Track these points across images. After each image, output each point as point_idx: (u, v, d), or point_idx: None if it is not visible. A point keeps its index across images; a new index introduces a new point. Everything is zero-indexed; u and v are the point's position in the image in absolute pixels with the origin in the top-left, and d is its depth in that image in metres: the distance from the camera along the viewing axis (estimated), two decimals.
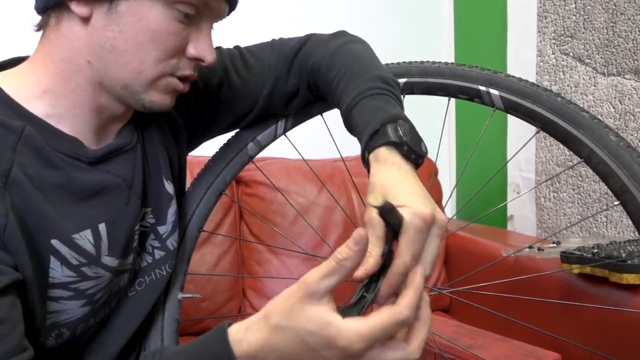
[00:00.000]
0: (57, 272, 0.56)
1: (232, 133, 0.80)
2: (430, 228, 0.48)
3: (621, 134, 1.35)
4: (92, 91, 0.59)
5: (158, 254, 0.69)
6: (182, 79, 0.61)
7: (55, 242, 0.55)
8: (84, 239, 0.58)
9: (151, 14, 0.56)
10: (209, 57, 0.60)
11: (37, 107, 0.57)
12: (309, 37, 0.74)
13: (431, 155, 0.74)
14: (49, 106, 0.58)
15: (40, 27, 0.60)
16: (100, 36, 0.56)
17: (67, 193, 0.57)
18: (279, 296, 0.46)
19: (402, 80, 0.72)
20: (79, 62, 0.58)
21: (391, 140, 0.55)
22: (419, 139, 0.56)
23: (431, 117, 1.35)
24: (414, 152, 0.55)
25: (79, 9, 0.55)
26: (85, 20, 0.56)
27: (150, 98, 0.60)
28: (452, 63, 0.71)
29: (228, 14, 0.63)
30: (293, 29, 0.93)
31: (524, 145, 0.82)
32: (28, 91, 0.58)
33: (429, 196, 0.51)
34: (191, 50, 0.60)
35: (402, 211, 0.46)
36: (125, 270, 0.65)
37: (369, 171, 0.56)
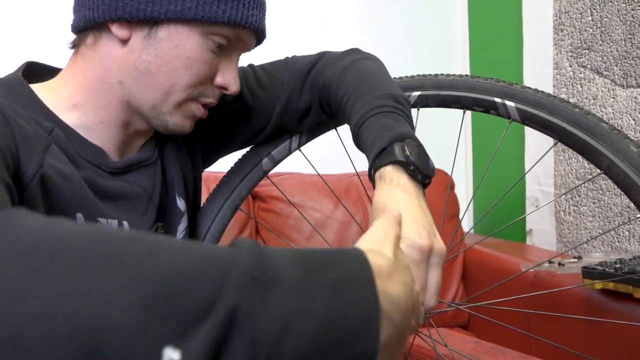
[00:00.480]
0: None
1: (248, 149, 0.81)
2: (429, 258, 0.47)
3: None
4: (121, 109, 0.62)
5: None
6: (203, 105, 0.64)
7: (79, 216, 0.56)
8: (109, 226, 0.59)
9: (188, 42, 0.59)
10: (234, 87, 0.63)
11: (67, 118, 0.60)
12: (321, 55, 0.75)
13: (447, 168, 0.74)
14: (77, 119, 0.61)
15: (75, 45, 0.63)
16: (136, 58, 0.59)
17: (94, 190, 0.58)
18: None
19: (416, 93, 0.72)
20: (111, 81, 0.60)
21: (397, 159, 0.54)
22: (426, 159, 0.56)
23: (447, 129, 1.34)
24: (420, 172, 0.54)
25: (119, 31, 0.58)
26: (124, 42, 0.59)
27: (173, 120, 0.62)
28: (466, 75, 0.71)
29: (254, 47, 0.66)
30: (305, 45, 0.94)
31: (542, 157, 0.81)
32: (59, 103, 0.60)
33: (429, 223, 0.50)
34: (218, 79, 0.63)
35: (401, 244, 0.46)
36: None
37: (374, 188, 0.56)
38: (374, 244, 0.36)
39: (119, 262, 0.26)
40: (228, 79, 0.63)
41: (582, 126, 0.61)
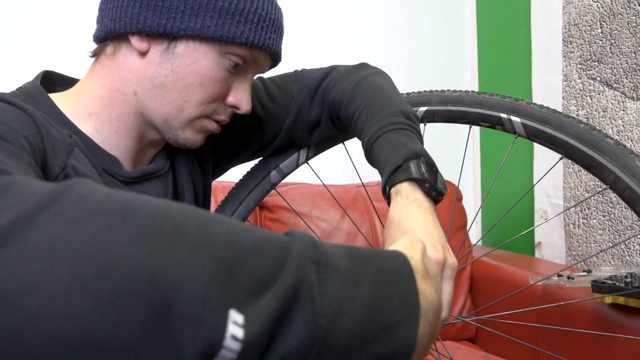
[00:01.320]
0: None
1: (256, 161, 0.82)
2: (443, 271, 0.50)
3: None
4: (135, 120, 0.63)
5: None
6: (216, 121, 0.65)
7: None
8: None
9: (205, 59, 0.60)
10: (245, 107, 0.64)
11: (83, 127, 0.61)
12: (331, 69, 0.76)
13: (454, 179, 0.74)
14: (93, 128, 0.62)
15: (95, 54, 0.64)
16: (153, 71, 0.60)
17: None
18: None
19: (423, 109, 0.73)
20: (127, 92, 0.61)
21: (414, 176, 0.56)
22: (439, 176, 0.58)
23: (455, 142, 1.34)
24: (435, 189, 0.57)
25: (138, 44, 0.59)
26: (142, 54, 0.60)
27: (185, 135, 0.63)
28: (472, 91, 0.71)
29: (269, 69, 0.67)
30: (314, 59, 0.95)
31: (548, 171, 0.81)
32: (76, 112, 0.61)
33: (443, 238, 0.53)
34: (231, 99, 0.64)
35: None
36: None
37: (389, 204, 0.58)
38: (406, 251, 0.38)
39: (183, 229, 0.28)
40: (240, 99, 0.64)
41: (588, 141, 0.61)
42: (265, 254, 0.29)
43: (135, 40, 0.59)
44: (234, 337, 0.26)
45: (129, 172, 0.64)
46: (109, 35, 0.61)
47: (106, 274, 0.25)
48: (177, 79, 0.60)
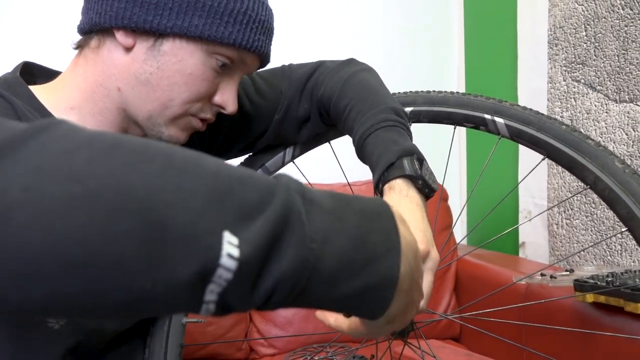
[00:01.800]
0: None
1: (242, 158, 0.82)
2: (425, 262, 0.51)
3: (635, 161, 1.34)
4: (117, 115, 0.62)
5: None
6: (201, 119, 0.64)
7: None
8: None
9: (191, 58, 0.59)
10: (231, 108, 0.64)
11: None
12: (319, 64, 0.76)
13: (440, 179, 0.75)
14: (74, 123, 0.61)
15: (79, 46, 0.63)
16: (138, 68, 0.59)
17: None
18: None
19: (409, 109, 0.73)
20: (110, 87, 0.60)
21: (407, 173, 0.57)
22: (431, 173, 0.59)
23: (441, 142, 1.35)
24: (427, 186, 0.58)
25: (123, 39, 0.58)
26: (127, 49, 0.59)
27: (169, 132, 0.63)
28: (457, 92, 0.72)
29: (257, 70, 0.67)
30: (303, 58, 0.94)
31: (530, 172, 0.82)
32: (58, 105, 0.60)
33: (430, 232, 0.54)
34: (217, 98, 0.63)
35: None
36: None
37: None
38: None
39: (173, 160, 0.28)
40: (226, 99, 0.63)
41: (569, 142, 0.62)
42: (253, 184, 0.30)
43: (120, 35, 0.58)
44: (230, 256, 0.27)
45: None
46: (94, 28, 0.59)
47: (100, 193, 0.25)
48: (162, 77, 0.59)
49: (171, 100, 0.60)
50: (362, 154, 0.64)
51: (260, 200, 0.29)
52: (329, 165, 0.96)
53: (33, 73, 0.65)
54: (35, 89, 0.60)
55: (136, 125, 0.63)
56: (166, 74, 0.59)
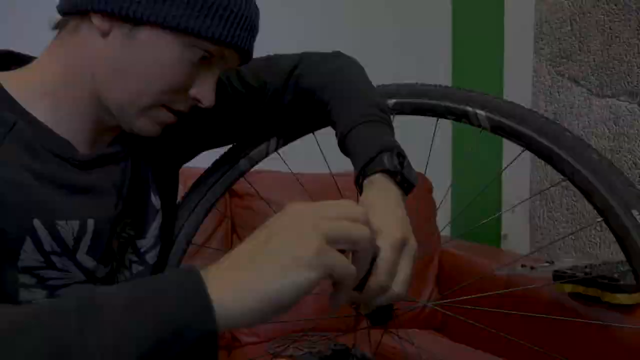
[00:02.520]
0: (28, 254, 0.55)
1: (226, 148, 0.81)
2: (402, 250, 0.51)
3: (616, 155, 1.36)
4: (90, 103, 0.60)
5: (136, 268, 0.68)
6: (174, 111, 0.62)
7: (36, 222, 0.54)
8: (68, 228, 0.57)
9: (168, 49, 0.57)
10: (207, 102, 0.61)
11: (36, 108, 0.58)
12: (303, 56, 0.75)
13: (421, 169, 0.76)
14: (47, 109, 0.59)
15: (58, 26, 0.61)
16: (112, 54, 0.57)
17: (56, 186, 0.57)
18: None
19: (392, 101, 0.73)
20: (84, 72, 0.59)
21: (386, 168, 0.57)
22: (410, 168, 0.59)
23: (427, 135, 1.36)
24: (406, 181, 0.58)
25: (99, 23, 0.56)
26: (104, 35, 0.57)
27: (139, 124, 0.61)
28: (440, 85, 0.73)
29: (239, 66, 0.65)
30: (290, 51, 0.94)
31: (510, 163, 0.84)
32: (30, 92, 0.58)
33: (408, 223, 0.54)
34: (193, 91, 0.61)
35: (378, 236, 0.49)
36: (101, 280, 0.63)
37: (360, 193, 0.59)
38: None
39: None
40: (203, 93, 0.61)
41: (548, 134, 0.63)
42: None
43: (97, 19, 0.56)
44: None
45: (84, 155, 0.61)
46: (72, 9, 0.58)
47: None
48: (137, 66, 0.57)
49: (143, 90, 0.58)
50: (344, 147, 0.64)
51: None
52: (313, 156, 0.96)
53: (15, 61, 0.63)
54: (4, 76, 0.59)
55: (109, 114, 0.61)
56: (141, 62, 0.57)
